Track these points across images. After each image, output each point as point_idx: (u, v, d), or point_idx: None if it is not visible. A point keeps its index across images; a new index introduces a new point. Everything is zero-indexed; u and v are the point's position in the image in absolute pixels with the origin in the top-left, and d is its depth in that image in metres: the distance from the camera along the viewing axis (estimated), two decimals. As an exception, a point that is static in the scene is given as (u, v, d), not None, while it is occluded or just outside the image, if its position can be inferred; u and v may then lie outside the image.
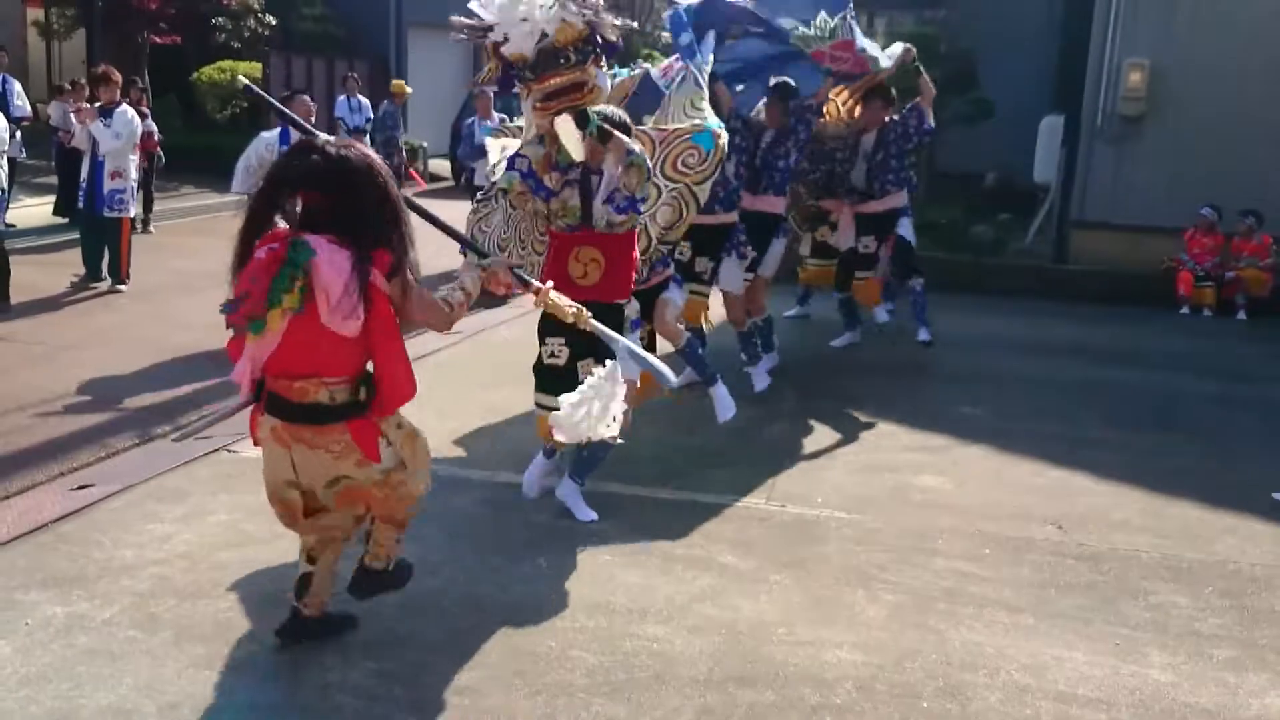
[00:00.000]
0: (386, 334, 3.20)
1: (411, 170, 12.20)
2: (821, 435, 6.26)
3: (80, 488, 5.05)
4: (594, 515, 4.82)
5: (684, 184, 5.39)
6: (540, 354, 4.73)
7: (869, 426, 6.47)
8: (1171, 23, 10.85)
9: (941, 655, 3.77)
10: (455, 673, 3.52)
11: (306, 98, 8.87)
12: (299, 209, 3.20)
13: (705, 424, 5.93)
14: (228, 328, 3.14)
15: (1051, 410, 6.95)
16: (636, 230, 4.82)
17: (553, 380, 4.63)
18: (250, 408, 3.36)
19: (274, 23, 19.21)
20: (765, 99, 7.10)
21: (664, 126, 5.50)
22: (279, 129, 8.09)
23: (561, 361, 4.65)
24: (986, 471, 5.75)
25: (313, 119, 8.33)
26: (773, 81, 7.02)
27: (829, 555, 4.56)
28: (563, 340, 4.62)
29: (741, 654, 3.71)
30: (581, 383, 4.31)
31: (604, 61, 5.03)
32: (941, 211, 12.30)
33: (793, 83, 6.97)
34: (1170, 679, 3.69)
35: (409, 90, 14.47)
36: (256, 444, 3.39)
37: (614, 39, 4.91)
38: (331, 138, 3.30)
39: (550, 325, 4.62)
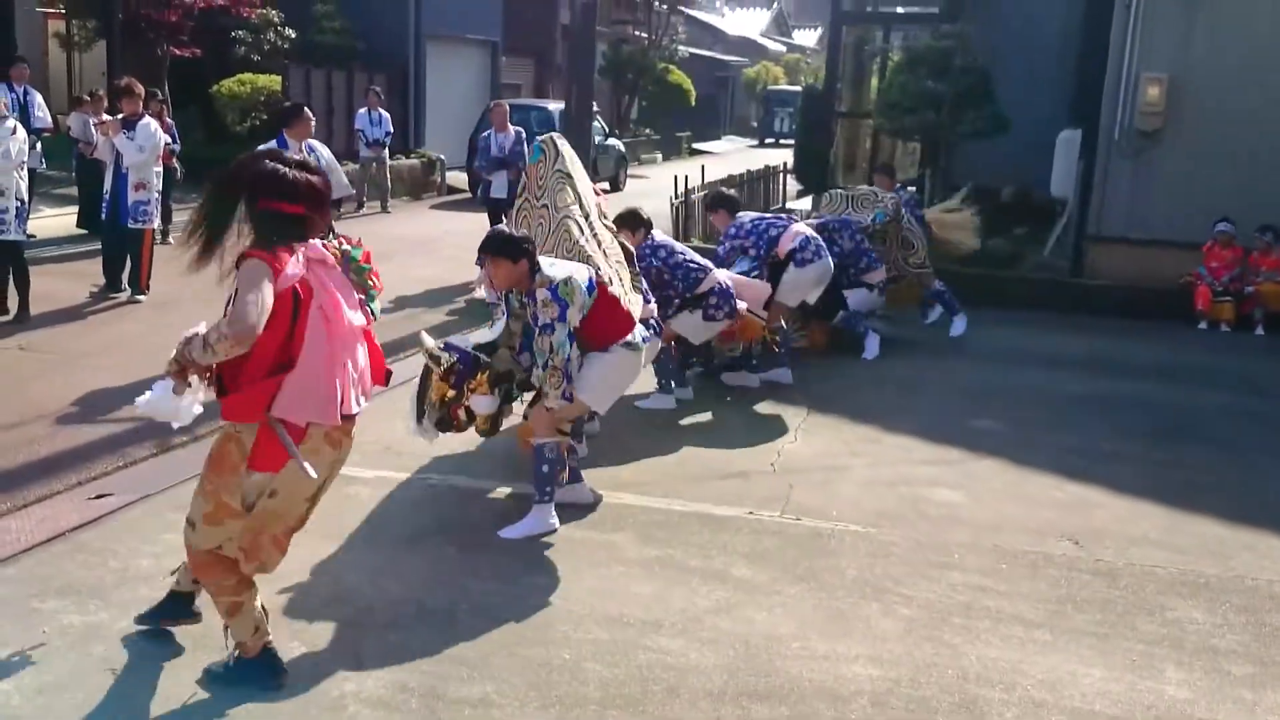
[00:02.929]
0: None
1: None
2: (836, 448, 6.24)
3: (98, 497, 5.09)
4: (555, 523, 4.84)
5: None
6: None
7: (883, 439, 6.45)
8: (1190, 37, 10.80)
9: (957, 670, 3.76)
10: (469, 685, 3.52)
11: (307, 111, 8.51)
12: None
13: (719, 436, 5.93)
14: None
15: (1068, 424, 6.92)
16: None
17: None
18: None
19: (294, 36, 19.32)
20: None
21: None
22: (274, 141, 8.11)
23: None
24: (1002, 485, 5.73)
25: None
26: None
27: (843, 569, 4.55)
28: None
29: (756, 667, 3.70)
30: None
31: None
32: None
33: None
34: (1187, 695, 3.67)
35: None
36: (279, 467, 3.27)
37: None
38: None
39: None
